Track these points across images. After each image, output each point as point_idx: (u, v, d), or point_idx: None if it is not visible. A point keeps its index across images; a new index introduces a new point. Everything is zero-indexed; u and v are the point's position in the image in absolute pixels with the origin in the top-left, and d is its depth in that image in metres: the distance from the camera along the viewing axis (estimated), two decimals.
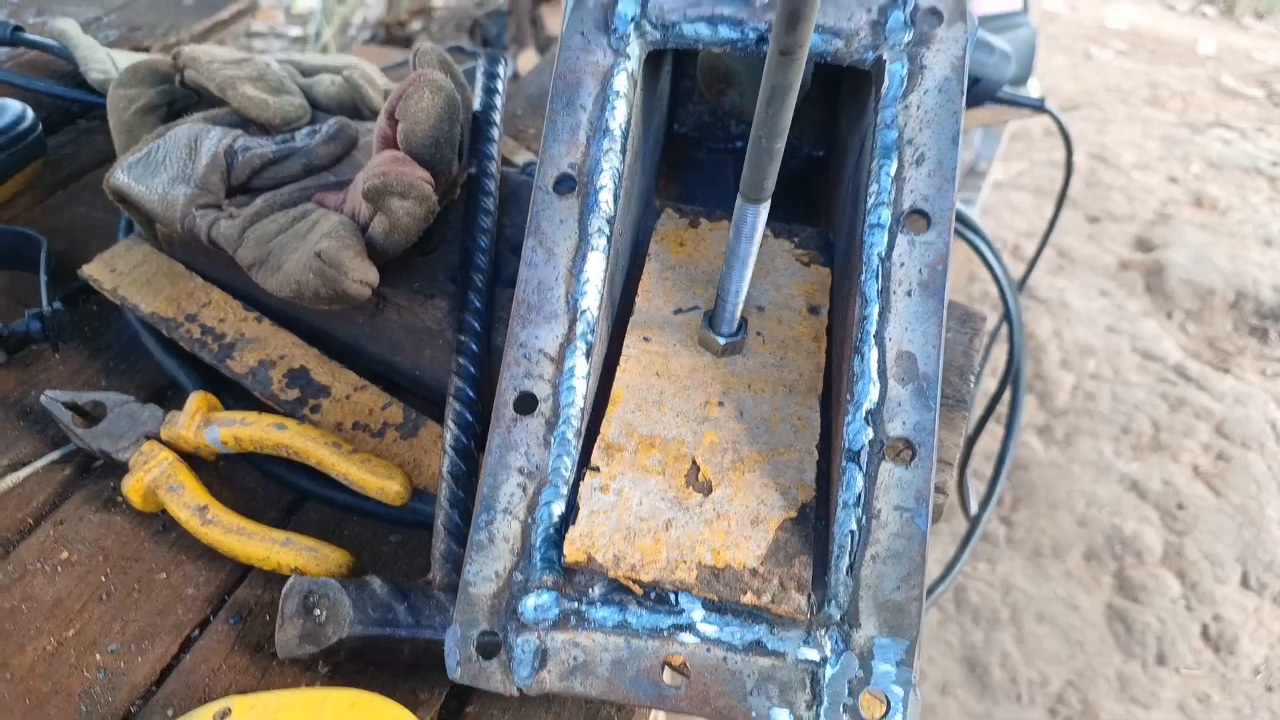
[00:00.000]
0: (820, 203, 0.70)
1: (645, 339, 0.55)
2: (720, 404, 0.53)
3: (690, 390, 0.53)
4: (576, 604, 0.46)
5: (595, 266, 0.50)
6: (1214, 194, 3.45)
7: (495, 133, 0.69)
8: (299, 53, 0.94)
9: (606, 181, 0.51)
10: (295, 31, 5.05)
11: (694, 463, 0.50)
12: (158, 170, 0.68)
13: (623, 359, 0.54)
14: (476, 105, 0.71)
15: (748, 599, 0.45)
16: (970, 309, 0.67)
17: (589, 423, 0.51)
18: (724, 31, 0.53)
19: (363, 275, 0.56)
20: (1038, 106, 1.15)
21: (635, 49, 0.53)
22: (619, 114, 0.52)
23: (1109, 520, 2.32)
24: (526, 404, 0.49)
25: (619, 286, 0.57)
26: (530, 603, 0.46)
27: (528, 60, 3.08)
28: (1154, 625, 2.10)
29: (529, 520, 0.47)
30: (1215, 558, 2.22)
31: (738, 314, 0.53)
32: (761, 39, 0.53)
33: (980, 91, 1.11)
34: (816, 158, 0.73)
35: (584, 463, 0.50)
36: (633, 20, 0.53)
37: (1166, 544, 2.26)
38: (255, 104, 0.72)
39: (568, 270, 0.50)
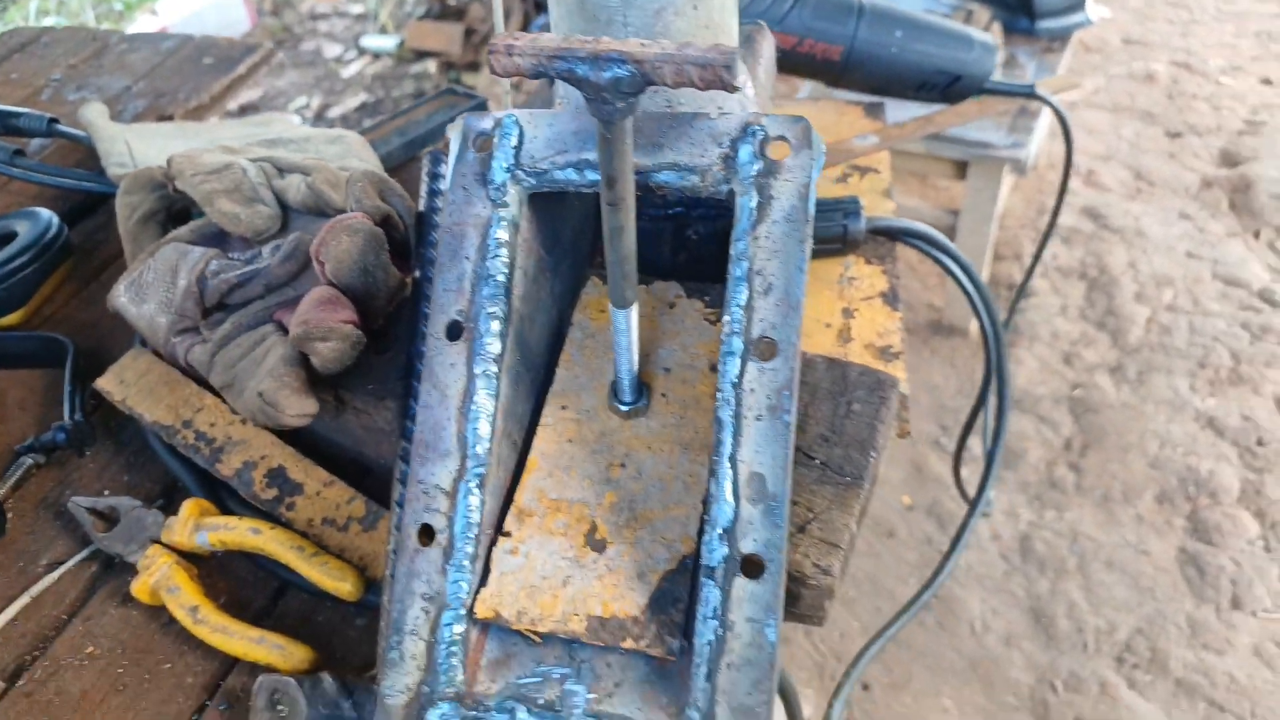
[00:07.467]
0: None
1: (563, 407, 0.62)
2: (622, 465, 0.59)
3: (598, 454, 0.59)
4: (475, 713, 0.53)
5: (484, 404, 0.56)
6: None
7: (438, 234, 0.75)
8: (298, 138, 1.01)
9: (492, 325, 0.57)
10: (357, 9, 5.14)
11: (593, 524, 0.57)
12: (146, 295, 0.77)
13: (540, 427, 0.61)
14: (421, 205, 0.77)
15: (627, 644, 0.52)
16: (881, 375, 0.68)
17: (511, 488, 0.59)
18: (589, 175, 0.57)
19: (299, 410, 0.63)
20: (1027, 93, 1.13)
21: (514, 196, 0.58)
22: (501, 262, 0.57)
23: (1183, 460, 2.26)
24: (426, 535, 0.55)
25: (525, 395, 0.63)
26: (434, 714, 0.53)
27: None
28: (1229, 568, 2.06)
29: (432, 640, 0.54)
30: None
31: (630, 388, 0.60)
32: None
33: (963, 88, 1.10)
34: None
35: (499, 529, 0.57)
36: (508, 170, 0.58)
37: (1245, 483, 2.20)
38: (229, 219, 0.80)
39: (458, 410, 0.56)
